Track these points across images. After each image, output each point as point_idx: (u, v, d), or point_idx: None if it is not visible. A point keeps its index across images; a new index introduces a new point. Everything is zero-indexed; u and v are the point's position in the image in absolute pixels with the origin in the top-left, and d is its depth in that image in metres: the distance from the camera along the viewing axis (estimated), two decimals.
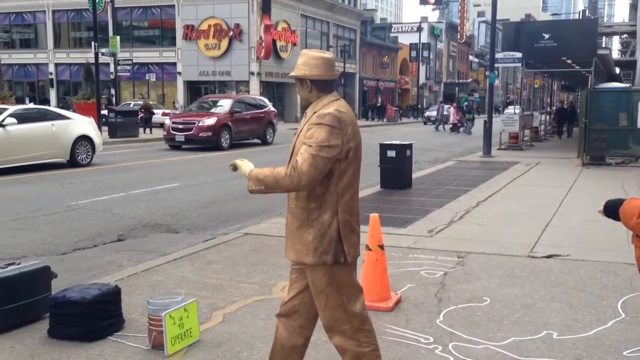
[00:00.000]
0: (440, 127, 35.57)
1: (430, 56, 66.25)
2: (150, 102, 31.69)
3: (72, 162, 13.94)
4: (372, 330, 2.90)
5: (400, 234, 7.06)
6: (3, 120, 12.58)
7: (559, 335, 4.03)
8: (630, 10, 39.79)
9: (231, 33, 39.41)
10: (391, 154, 10.71)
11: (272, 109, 23.18)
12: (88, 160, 14.40)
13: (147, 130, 26.84)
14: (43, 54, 46.35)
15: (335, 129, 2.65)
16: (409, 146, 11.07)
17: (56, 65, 46.06)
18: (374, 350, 2.86)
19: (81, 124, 14.54)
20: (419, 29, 60.01)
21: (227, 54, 39.87)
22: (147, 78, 39.40)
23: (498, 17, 19.43)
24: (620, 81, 32.00)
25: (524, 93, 26.73)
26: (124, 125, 23.43)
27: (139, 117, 25.79)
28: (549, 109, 30.33)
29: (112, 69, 28.52)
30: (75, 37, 46.18)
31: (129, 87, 42.72)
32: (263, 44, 38.84)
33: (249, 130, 21.08)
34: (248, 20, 39.23)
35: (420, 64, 61.82)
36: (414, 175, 11.61)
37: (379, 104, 52.30)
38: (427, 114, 47.22)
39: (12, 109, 13.51)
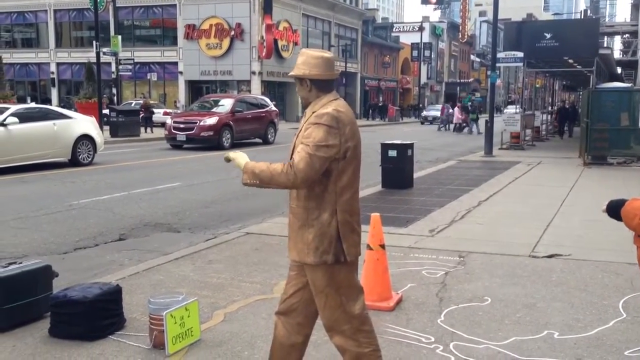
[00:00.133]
0: (443, 127, 35.37)
1: (432, 56, 66.22)
2: (151, 102, 31.72)
3: (74, 162, 13.95)
4: (372, 330, 2.89)
5: (402, 234, 7.06)
6: (5, 120, 12.59)
7: (560, 335, 4.03)
8: (632, 10, 39.75)
9: (232, 32, 39.42)
10: (392, 153, 10.71)
11: (274, 108, 23.20)
12: (89, 159, 14.40)
13: (148, 129, 26.86)
14: (45, 53, 46.41)
15: (332, 128, 2.65)
16: (410, 146, 11.06)
17: (58, 64, 46.11)
18: (374, 351, 2.86)
19: (83, 124, 14.55)
20: (421, 29, 59.98)
21: (229, 54, 39.89)
22: (148, 77, 39.43)
23: (499, 16, 19.42)
24: (622, 81, 31.97)
25: (525, 93, 26.72)
26: (126, 124, 23.45)
27: (140, 116, 25.82)
28: (550, 109, 30.31)
29: (113, 68, 28.52)
30: (77, 37, 46.23)
31: (130, 87, 42.74)
32: (264, 44, 38.86)
33: (250, 130, 21.09)
34: (249, 19, 39.24)
35: (422, 63, 61.81)
36: (415, 175, 11.61)
37: (380, 104, 52.29)
38: (424, 113, 46.76)
39: (14, 108, 13.53)
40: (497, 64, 19.71)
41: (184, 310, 3.79)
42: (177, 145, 19.64)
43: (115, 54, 27.04)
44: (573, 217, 8.09)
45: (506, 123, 20.08)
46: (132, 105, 30.44)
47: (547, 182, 11.84)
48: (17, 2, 45.76)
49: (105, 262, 6.10)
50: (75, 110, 21.25)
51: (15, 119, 12.75)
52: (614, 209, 2.53)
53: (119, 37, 27.52)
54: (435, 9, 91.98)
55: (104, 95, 28.64)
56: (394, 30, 66.67)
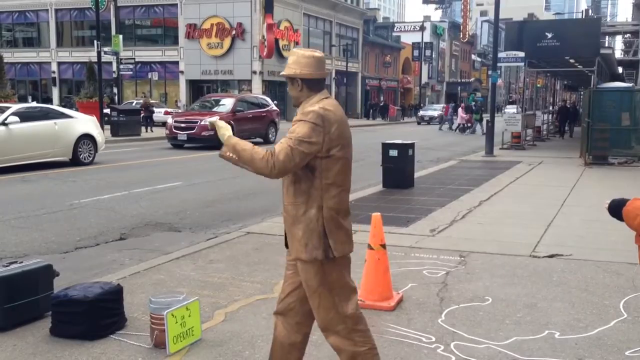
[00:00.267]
0: (445, 126, 35.13)
1: (433, 55, 66.21)
2: (151, 101, 31.73)
3: (75, 161, 13.96)
4: (367, 329, 2.89)
5: (402, 233, 7.06)
6: (6, 119, 12.60)
7: (561, 335, 4.03)
8: (633, 9, 39.69)
9: (234, 32, 39.44)
10: (393, 153, 10.70)
11: (275, 108, 23.20)
12: (90, 159, 14.41)
13: (149, 129, 26.87)
14: (46, 52, 46.43)
15: (317, 126, 2.66)
16: (411, 145, 11.05)
17: (59, 64, 46.13)
18: (370, 350, 2.87)
19: (84, 123, 14.56)
20: (422, 28, 59.98)
21: (230, 53, 39.91)
22: (149, 77, 39.47)
23: (501, 16, 19.40)
24: (623, 81, 31.96)
25: (526, 92, 26.70)
26: (126, 124, 23.46)
27: (141, 115, 25.83)
28: (551, 109, 30.28)
29: (114, 67, 28.50)
30: (78, 36, 46.26)
31: (131, 86, 42.76)
32: (265, 43, 38.87)
33: (251, 129, 21.08)
34: (251, 19, 39.25)
35: (423, 63, 61.81)
36: (416, 175, 11.60)
37: (382, 104, 52.27)
38: (421, 113, 46.13)
39: (15, 107, 13.53)
40: (498, 64, 19.70)
41: (185, 309, 3.80)
42: (178, 145, 19.65)
43: (116, 54, 27.04)
44: (574, 217, 8.08)
45: (507, 123, 20.08)
46: (133, 104, 30.45)
47: (548, 182, 11.83)
48: (18, 1, 45.81)
49: (106, 262, 6.10)
50: (76, 110, 21.25)
51: (17, 118, 12.76)
52: (616, 209, 2.53)
53: (120, 36, 27.52)
54: (436, 9, 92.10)
55: (105, 95, 28.66)
56: (395, 30, 66.67)
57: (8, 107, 13.41)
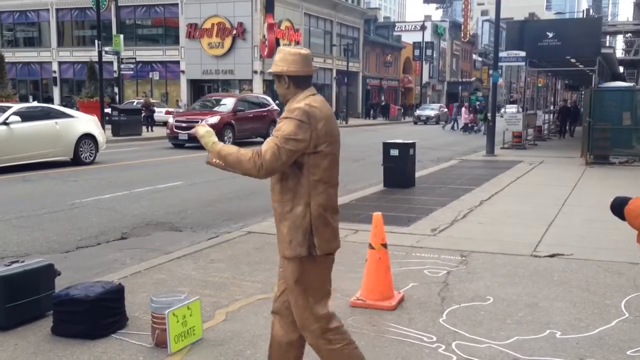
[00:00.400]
0: (448, 126, 34.79)
1: (434, 55, 66.13)
2: (152, 100, 31.73)
3: (76, 161, 13.97)
4: (340, 326, 2.89)
5: (403, 233, 7.06)
6: (7, 119, 12.61)
7: (562, 334, 4.03)
8: (634, 9, 39.65)
9: (234, 32, 39.42)
10: (394, 152, 10.71)
11: (275, 107, 23.20)
12: (91, 158, 14.42)
13: (150, 128, 26.87)
14: (47, 52, 46.44)
15: (303, 123, 2.67)
16: (412, 145, 11.06)
17: (60, 63, 46.14)
18: (346, 345, 2.86)
19: (85, 123, 14.57)
20: (423, 28, 59.94)
21: (231, 53, 39.90)
22: (150, 77, 39.48)
23: (502, 15, 19.40)
24: (624, 80, 31.92)
25: (527, 92, 26.68)
26: (127, 123, 23.47)
27: (142, 115, 25.83)
28: (552, 108, 30.24)
29: (115, 67, 28.52)
30: (79, 36, 46.26)
31: (132, 86, 42.76)
32: (266, 43, 38.85)
33: (252, 129, 21.10)
34: (251, 18, 39.24)
35: (424, 62, 61.75)
36: (417, 174, 11.60)
37: (383, 103, 52.19)
38: (417, 112, 45.56)
39: (16, 107, 13.54)
40: (499, 63, 19.70)
41: (186, 309, 3.80)
42: (178, 145, 19.66)
43: (117, 53, 27.05)
44: (575, 217, 8.08)
45: (508, 122, 20.07)
46: (134, 104, 30.46)
47: (549, 182, 11.82)
48: (19, 0, 45.81)
49: (107, 261, 6.11)
50: (77, 110, 21.26)
51: (18, 118, 12.77)
52: (618, 207, 2.52)
53: (121, 36, 27.54)
54: (437, 8, 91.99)
55: (106, 95, 28.67)
56: (395, 29, 66.63)
57: (9, 107, 13.42)
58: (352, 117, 45.82)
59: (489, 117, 19.68)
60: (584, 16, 57.82)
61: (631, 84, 24.82)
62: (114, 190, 10.32)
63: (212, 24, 40.01)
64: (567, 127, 27.14)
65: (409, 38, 64.14)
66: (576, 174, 12.94)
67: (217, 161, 2.73)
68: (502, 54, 19.24)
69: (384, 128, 36.93)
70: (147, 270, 5.49)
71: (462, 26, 74.77)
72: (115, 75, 29.47)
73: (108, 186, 10.89)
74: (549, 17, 78.63)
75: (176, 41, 41.86)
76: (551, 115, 28.85)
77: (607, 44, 29.97)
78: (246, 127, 20.65)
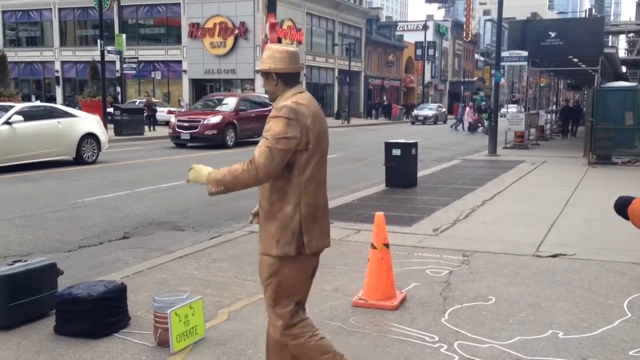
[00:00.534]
0: (459, 127, 34.31)
1: (436, 55, 66.09)
2: (154, 100, 31.76)
3: (78, 160, 13.99)
4: (304, 319, 2.89)
5: (405, 233, 7.05)
6: (10, 118, 12.63)
7: (564, 334, 4.02)
8: (637, 9, 39.60)
9: (236, 31, 39.45)
10: (396, 152, 10.70)
11: None
12: (94, 157, 14.44)
13: (152, 128, 26.90)
14: (49, 51, 46.51)
15: (292, 120, 2.67)
16: (414, 145, 11.05)
17: (62, 63, 46.22)
18: (310, 337, 2.86)
19: (87, 122, 14.59)
20: (425, 28, 59.89)
21: (233, 52, 39.92)
22: (152, 76, 39.48)
23: (504, 15, 19.36)
24: (627, 80, 31.86)
25: (529, 92, 26.64)
26: (130, 123, 23.50)
27: (144, 114, 25.86)
28: (554, 108, 30.19)
29: (118, 67, 28.58)
30: (82, 35, 46.33)
31: (134, 85, 42.80)
32: (268, 42, 38.87)
33: (254, 129, 21.07)
34: (253, 18, 39.26)
35: (426, 62, 61.72)
36: (419, 174, 11.59)
37: (385, 103, 52.11)
38: (415, 112, 44.55)
39: (19, 106, 13.56)
40: (502, 63, 19.67)
41: (189, 308, 3.80)
42: (181, 144, 19.68)
43: (119, 53, 27.09)
44: (577, 217, 8.07)
45: (510, 122, 20.04)
46: (136, 103, 30.49)
47: (552, 182, 11.81)
48: (22, 0, 45.88)
49: (110, 260, 6.11)
50: (80, 109, 21.29)
51: (20, 117, 12.79)
52: (622, 207, 2.52)
53: (124, 35, 27.59)
54: (439, 8, 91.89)
55: (108, 94, 28.70)
56: (397, 29, 66.58)
57: (12, 106, 13.44)
58: (354, 117, 45.79)
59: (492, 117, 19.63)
60: (587, 16, 57.70)
61: (634, 84, 24.79)
62: (117, 190, 10.34)
63: (214, 24, 40.04)
64: (570, 127, 27.09)
65: (411, 38, 64.08)
66: (579, 174, 12.92)
67: (218, 189, 2.72)
68: (504, 54, 19.22)
69: (386, 128, 36.92)
70: (150, 269, 5.50)
71: (465, 26, 74.67)
72: (118, 74, 29.54)
73: (110, 185, 10.90)
74: (552, 17, 78.52)
75: (178, 41, 41.90)
76: (554, 115, 28.80)
77: (610, 44, 29.92)
78: (248, 126, 20.64)
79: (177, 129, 19.57)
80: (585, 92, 33.47)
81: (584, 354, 3.73)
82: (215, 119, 19.32)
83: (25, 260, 4.34)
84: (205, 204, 9.25)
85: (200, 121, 19.26)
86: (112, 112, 24.15)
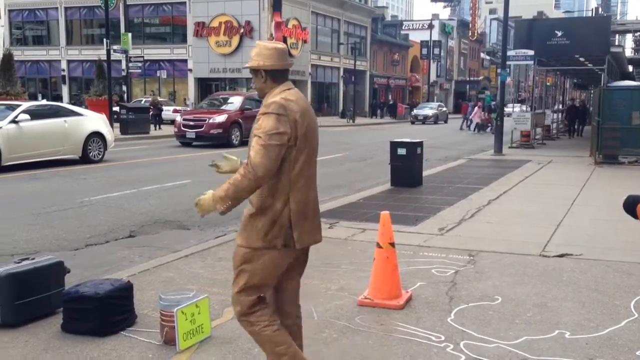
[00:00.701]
0: (464, 125, 34.15)
1: (441, 54, 65.96)
2: (160, 99, 31.84)
3: (85, 159, 14.04)
4: (262, 308, 2.90)
5: (411, 232, 7.05)
6: (17, 117, 12.68)
7: (571, 334, 4.01)
8: None
9: (242, 30, 39.50)
10: (402, 151, 10.68)
11: None
12: (100, 156, 14.49)
13: (158, 127, 26.96)
14: (55, 50, 46.71)
15: (281, 116, 2.68)
16: (420, 144, 11.03)
17: (68, 62, 46.42)
18: (265, 327, 2.87)
19: (93, 121, 14.64)
20: (430, 27, 59.80)
21: (238, 51, 39.96)
22: (158, 75, 39.63)
23: (510, 14, 19.32)
24: (634, 79, 31.70)
25: (535, 91, 26.54)
26: (135, 122, 23.56)
27: (150, 113, 25.92)
28: (560, 107, 30.05)
29: (123, 65, 28.64)
30: (88, 34, 46.50)
31: (140, 84, 42.94)
32: (274, 41, 38.90)
33: None
34: (259, 17, 39.29)
35: (431, 61, 61.60)
36: (424, 173, 11.57)
37: (391, 102, 52.04)
38: (415, 112, 43.80)
39: (25, 105, 13.62)
40: (508, 62, 19.62)
41: (195, 307, 3.81)
42: (186, 143, 19.72)
43: (125, 52, 27.15)
44: (584, 217, 8.04)
45: (516, 121, 19.99)
46: (142, 102, 30.57)
47: (558, 181, 11.77)
48: None
49: (116, 259, 6.14)
50: (86, 108, 21.36)
51: (27, 116, 12.84)
52: (631, 206, 2.51)
53: (129, 34, 27.63)
54: (445, 7, 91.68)
55: (114, 93, 28.80)
56: (403, 28, 66.53)
57: (19, 105, 13.50)
58: (359, 116, 45.76)
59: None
60: (593, 15, 57.45)
61: None
62: (123, 189, 10.37)
63: (220, 23, 40.10)
64: (576, 127, 26.98)
65: (416, 37, 63.98)
66: (585, 173, 12.88)
67: (226, 205, 2.71)
68: (510, 53, 19.16)
69: (391, 127, 36.87)
70: (156, 268, 5.51)
71: (470, 25, 74.53)
72: (124, 73, 29.60)
73: (116, 184, 10.94)
74: (558, 16, 78.23)
75: (184, 40, 41.99)
76: (560, 114, 28.68)
77: (617, 43, 29.81)
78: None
79: (182, 128, 19.60)
80: (592, 91, 33.32)
81: (590, 354, 3.72)
82: (220, 118, 19.35)
83: (33, 259, 4.36)
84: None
85: (205, 120, 19.28)
86: (118, 111, 24.23)
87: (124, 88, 31.38)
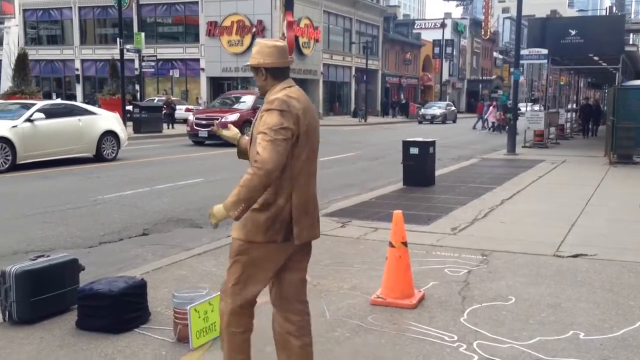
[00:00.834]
0: (478, 125, 33.43)
1: (454, 53, 65.69)
2: (173, 98, 32.00)
3: (98, 157, 14.15)
4: (251, 314, 2.95)
5: (423, 232, 7.03)
6: (31, 116, 12.81)
7: (585, 335, 3.98)
8: None
9: (254, 29, 39.56)
10: (414, 151, 10.66)
11: None
12: (113, 155, 14.60)
13: (171, 125, 27.10)
14: (69, 50, 47.08)
15: (285, 112, 2.70)
16: (432, 143, 10.99)
17: (82, 61, 46.76)
18: (243, 332, 2.93)
19: (107, 119, 14.75)
20: (443, 25, 59.55)
21: (250, 51, 39.08)
22: (170, 74, 39.79)
23: (523, 13, 19.19)
24: None
25: (549, 90, 26.34)
26: (148, 120, 23.70)
27: (163, 112, 26.06)
28: (573, 106, 29.77)
29: (136, 65, 28.85)
30: (101, 34, 46.82)
31: (153, 83, 43.17)
32: (286, 41, 38.92)
33: None
34: (271, 16, 39.33)
35: (444, 60, 61.37)
36: (437, 173, 11.53)
37: (403, 101, 51.87)
38: (422, 111, 43.04)
39: (40, 104, 13.75)
40: (521, 61, 19.48)
41: (208, 305, 3.83)
42: (199, 142, 19.80)
43: (138, 51, 27.33)
44: (598, 217, 7.97)
45: (530, 121, 19.84)
46: (155, 101, 30.74)
47: (572, 181, 11.68)
48: None
49: (130, 257, 6.18)
50: (100, 107, 21.52)
51: (42, 115, 12.97)
52: None
53: (142, 34, 27.83)
54: (457, 6, 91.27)
55: (128, 92, 28.99)
56: (415, 27, 66.28)
57: (33, 104, 13.64)
58: (371, 115, 45.69)
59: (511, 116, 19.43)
60: (607, 14, 56.95)
61: None
62: (136, 187, 10.44)
63: (232, 22, 40.20)
64: (590, 126, 26.72)
65: (428, 36, 63.72)
66: (599, 173, 12.76)
67: (240, 209, 2.72)
68: (523, 52, 19.03)
69: (403, 126, 36.78)
70: (169, 266, 5.54)
71: (483, 23, 74.07)
72: (137, 72, 29.81)
73: (130, 182, 11.01)
74: (571, 15, 77.56)
75: (196, 39, 42.15)
76: (573, 113, 28.43)
77: (631, 42, 29.49)
78: None
79: (195, 127, 19.69)
80: (606, 90, 32.99)
81: (605, 355, 3.69)
82: (232, 117, 19.39)
83: (48, 256, 4.40)
84: (222, 201, 9.29)
85: (218, 119, 19.32)
86: (131, 109, 24.38)
87: (137, 87, 31.58)
